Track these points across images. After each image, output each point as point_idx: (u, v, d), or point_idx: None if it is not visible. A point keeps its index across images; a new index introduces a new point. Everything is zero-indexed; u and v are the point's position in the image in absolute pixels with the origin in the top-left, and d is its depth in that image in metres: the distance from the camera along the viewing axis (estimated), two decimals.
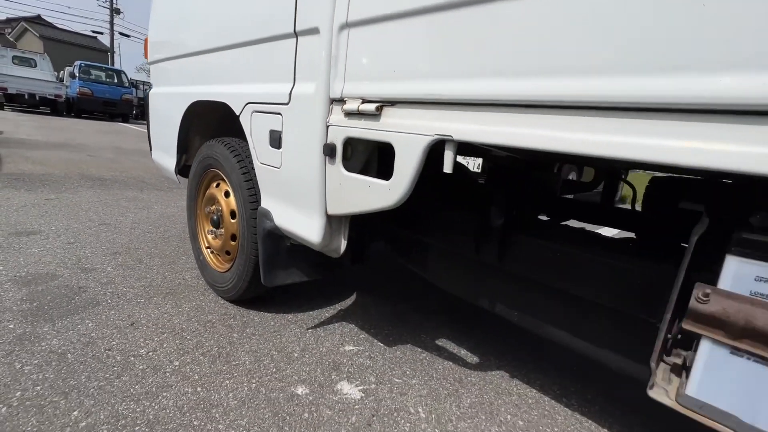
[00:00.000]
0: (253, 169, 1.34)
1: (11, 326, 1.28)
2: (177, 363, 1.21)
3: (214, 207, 1.64)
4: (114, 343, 1.27)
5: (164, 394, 1.07)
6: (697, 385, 0.59)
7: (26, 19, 32.74)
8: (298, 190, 1.12)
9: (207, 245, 1.74)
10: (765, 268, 0.52)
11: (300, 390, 1.16)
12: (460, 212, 1.13)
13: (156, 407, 1.02)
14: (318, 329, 1.52)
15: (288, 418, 1.05)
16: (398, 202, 0.86)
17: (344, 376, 1.25)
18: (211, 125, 1.74)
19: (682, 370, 0.61)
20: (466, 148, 0.85)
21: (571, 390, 1.33)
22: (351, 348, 1.42)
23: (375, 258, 2.42)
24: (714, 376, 0.57)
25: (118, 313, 1.45)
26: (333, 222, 1.08)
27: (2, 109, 12.74)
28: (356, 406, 1.12)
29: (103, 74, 15.82)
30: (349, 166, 0.99)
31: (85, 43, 32.65)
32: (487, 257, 1.05)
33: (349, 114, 0.93)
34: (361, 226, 1.27)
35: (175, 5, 1.76)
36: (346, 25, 0.90)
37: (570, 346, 0.96)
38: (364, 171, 1.01)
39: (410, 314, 1.73)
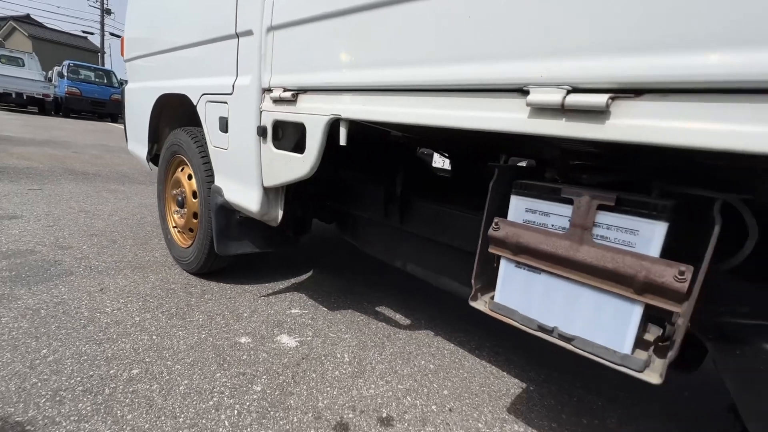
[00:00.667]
0: (208, 152, 1.53)
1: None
2: (137, 318, 1.39)
3: (179, 189, 1.82)
4: (83, 303, 1.45)
5: (123, 339, 1.26)
6: (499, 294, 0.79)
7: (15, 18, 32.35)
8: (241, 167, 1.31)
9: (174, 224, 1.93)
10: (531, 202, 0.72)
11: (243, 340, 1.35)
12: (373, 185, 1.33)
13: (114, 348, 1.21)
14: (270, 297, 1.71)
15: (228, 358, 1.24)
16: (310, 172, 1.06)
17: (285, 331, 1.45)
18: (177, 116, 1.92)
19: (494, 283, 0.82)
20: (360, 127, 1.05)
21: (485, 345, 1.54)
22: (297, 311, 1.61)
23: (336, 238, 2.62)
24: (508, 284, 0.77)
25: (89, 281, 1.63)
26: (269, 193, 1.28)
27: None
28: (290, 352, 1.32)
29: (92, 74, 15.80)
30: (279, 144, 1.19)
31: (75, 43, 32.45)
32: (393, 221, 1.26)
33: (275, 101, 1.13)
34: (302, 201, 1.47)
35: (145, 10, 1.95)
36: (272, 28, 1.10)
37: (445, 287, 1.16)
38: (295, 149, 1.21)
39: (359, 287, 1.93)
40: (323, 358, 1.31)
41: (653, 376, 0.61)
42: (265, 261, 2.09)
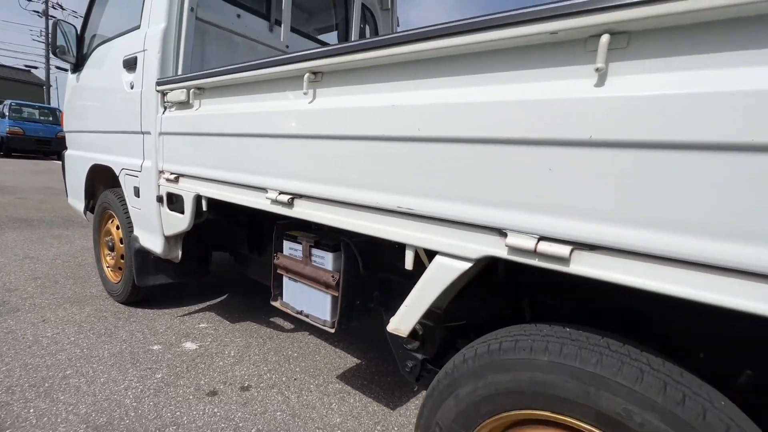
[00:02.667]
0: (128, 210, 2.05)
1: None
2: (73, 338, 1.86)
3: (110, 237, 2.31)
4: (28, 331, 1.90)
5: (60, 353, 1.73)
6: (284, 296, 1.38)
7: None
8: (149, 222, 1.85)
9: (107, 264, 2.40)
10: (290, 244, 1.33)
11: (155, 347, 1.85)
12: (245, 233, 1.91)
13: (53, 359, 1.67)
14: (185, 316, 2.21)
15: (141, 360, 1.73)
16: (189, 226, 1.62)
17: (190, 339, 1.96)
18: (106, 178, 2.42)
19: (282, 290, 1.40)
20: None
21: (344, 341, 2.12)
22: (204, 325, 2.13)
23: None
24: (287, 290, 1.36)
25: (33, 315, 2.07)
26: (170, 240, 1.81)
27: None
28: (190, 353, 1.83)
29: (36, 112, 15.49)
30: (173, 207, 1.74)
31: (18, 77, 31.24)
32: (255, 255, 1.84)
33: (166, 179, 1.69)
34: (201, 244, 2.01)
35: (78, 97, 2.46)
36: (161, 133, 1.68)
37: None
38: (180, 212, 1.76)
39: (263, 306, 2.46)
40: (214, 355, 1.84)
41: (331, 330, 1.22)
42: (187, 289, 2.58)
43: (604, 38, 0.62)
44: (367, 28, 2.92)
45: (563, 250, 0.68)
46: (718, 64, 0.55)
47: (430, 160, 0.85)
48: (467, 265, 0.81)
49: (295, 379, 1.70)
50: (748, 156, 0.52)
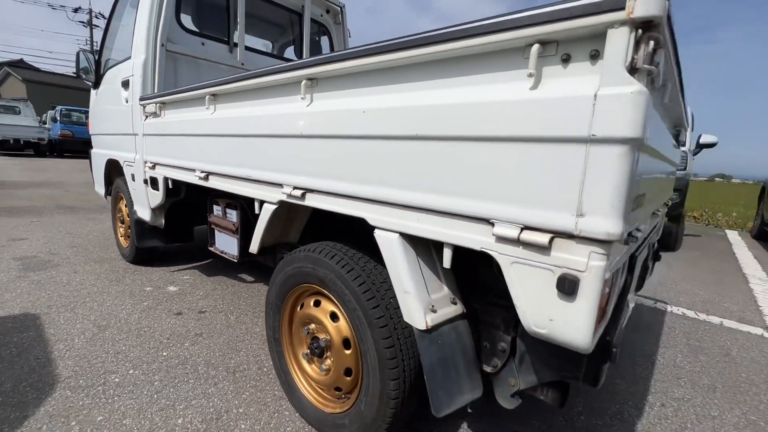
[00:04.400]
0: (129, 191, 2.78)
1: (14, 273, 2.69)
2: (92, 281, 2.62)
3: (121, 213, 3.08)
4: (64, 277, 2.68)
5: (83, 290, 2.49)
6: (216, 243, 2.02)
7: (9, 64, 33.80)
8: (141, 199, 2.57)
9: (120, 234, 3.17)
10: (216, 207, 1.96)
11: (148, 288, 2.58)
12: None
13: (78, 293, 2.43)
14: (175, 272, 2.94)
15: (136, 295, 2.46)
16: (163, 200, 2.31)
17: (174, 285, 2.68)
18: (118, 170, 3.18)
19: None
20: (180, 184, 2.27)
21: None
22: (186, 277, 2.84)
23: None
24: (216, 237, 2.01)
25: (68, 268, 2.86)
26: (155, 211, 2.52)
27: None
28: (171, 292, 2.54)
29: (83, 116, 17.12)
30: (154, 187, 2.43)
31: (69, 84, 33.95)
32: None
33: (148, 167, 2.38)
34: (181, 215, 2.70)
35: (97, 107, 3.23)
36: (144, 135, 2.37)
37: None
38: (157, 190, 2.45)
39: (234, 266, 3.15)
40: (187, 294, 2.54)
41: (235, 261, 1.84)
42: (180, 255, 3.32)
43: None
44: (323, 39, 3.51)
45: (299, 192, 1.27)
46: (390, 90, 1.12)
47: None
48: (274, 206, 1.41)
49: (238, 309, 2.36)
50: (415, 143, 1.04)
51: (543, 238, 0.72)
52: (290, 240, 1.68)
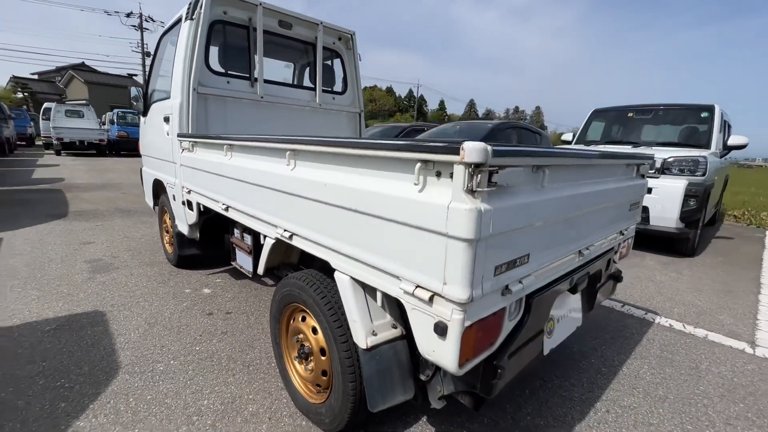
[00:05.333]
0: (171, 208, 3.31)
1: (85, 275, 3.32)
2: (144, 283, 3.20)
3: (165, 224, 3.64)
4: (122, 279, 3.27)
5: (137, 290, 3.05)
6: (236, 258, 2.46)
7: (72, 67, 37.00)
8: (180, 216, 3.08)
9: (166, 241, 3.75)
10: (236, 231, 2.38)
11: (187, 290, 3.11)
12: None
13: (133, 293, 3.00)
14: (209, 275, 3.46)
15: (178, 295, 3.00)
16: (196, 220, 2.79)
17: (208, 287, 3.19)
18: (163, 188, 3.74)
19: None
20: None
21: None
22: (218, 281, 3.36)
23: None
24: (236, 254, 2.44)
25: (126, 271, 3.47)
26: (191, 227, 3.02)
27: (59, 154, 15.70)
28: (205, 294, 3.05)
29: (137, 117, 18.71)
30: (189, 208, 2.92)
31: (123, 83, 36.70)
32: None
33: (185, 192, 2.87)
34: (215, 229, 3.19)
35: (145, 132, 3.79)
36: (181, 165, 2.85)
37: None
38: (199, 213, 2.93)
39: (267, 280, 3.63)
40: (218, 296, 3.04)
41: (250, 275, 2.26)
42: (214, 262, 3.85)
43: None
44: (335, 63, 3.85)
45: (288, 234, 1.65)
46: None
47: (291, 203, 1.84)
48: (272, 241, 1.80)
49: (257, 311, 2.82)
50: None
51: (426, 295, 1.05)
52: (292, 261, 2.08)
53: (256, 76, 3.20)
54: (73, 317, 2.58)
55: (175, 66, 2.91)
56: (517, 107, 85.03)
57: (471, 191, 0.92)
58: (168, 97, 3.06)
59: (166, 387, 1.93)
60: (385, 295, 1.28)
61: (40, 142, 20.44)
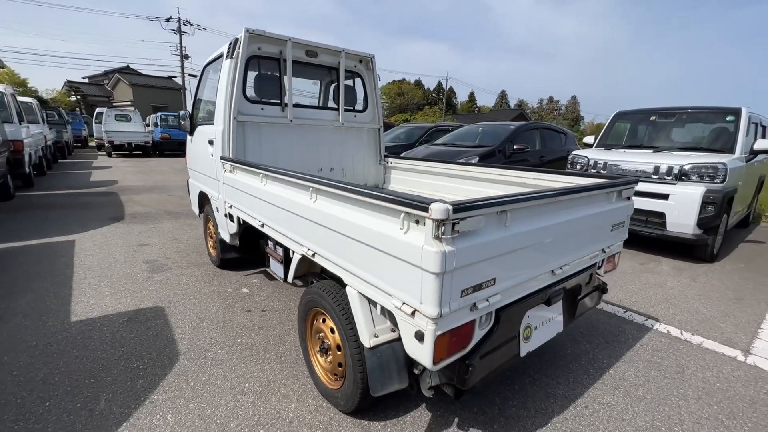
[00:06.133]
0: (215, 218, 3.82)
1: (145, 275, 3.90)
2: (193, 283, 3.73)
3: (209, 231, 4.18)
4: (174, 279, 3.83)
5: (188, 290, 3.59)
6: (270, 266, 2.90)
7: (118, 71, 39.54)
8: (222, 225, 3.57)
9: (210, 246, 4.29)
10: (270, 243, 2.81)
11: (228, 289, 3.61)
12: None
13: (185, 292, 3.53)
14: (247, 276, 3.96)
15: (221, 294, 3.50)
16: (238, 230, 3.26)
17: (246, 287, 3.68)
18: (207, 199, 4.27)
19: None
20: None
21: None
22: (255, 281, 3.84)
23: None
24: (270, 263, 2.87)
25: (177, 271, 4.03)
26: (233, 235, 3.50)
27: (110, 156, 17.07)
28: (243, 293, 3.54)
29: (177, 122, 19.89)
30: (230, 219, 3.40)
31: (164, 85, 38.80)
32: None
33: (227, 206, 3.34)
34: (253, 237, 3.66)
35: (192, 149, 4.33)
36: (223, 183, 3.33)
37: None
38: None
39: (297, 281, 4.10)
40: (255, 294, 3.52)
41: (283, 281, 2.69)
42: (251, 264, 4.35)
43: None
44: (356, 83, 4.22)
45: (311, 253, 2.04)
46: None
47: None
48: (299, 256, 2.20)
49: (288, 309, 3.27)
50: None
51: (409, 310, 1.40)
52: (316, 270, 2.48)
53: (286, 101, 3.62)
54: (140, 311, 3.13)
55: (218, 97, 3.38)
56: (551, 97, 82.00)
57: (438, 238, 1.27)
58: (212, 123, 3.54)
59: (216, 371, 2.39)
60: (383, 306, 1.64)
61: (93, 144, 22.25)
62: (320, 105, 4.14)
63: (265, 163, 3.30)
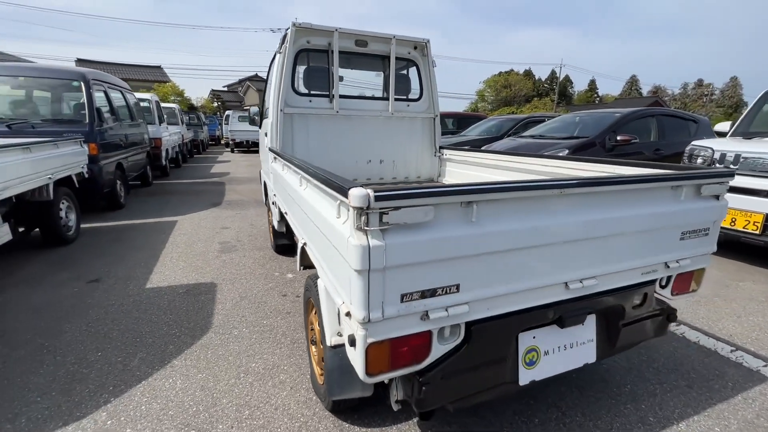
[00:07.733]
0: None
1: (215, 254, 4.40)
2: (250, 264, 4.06)
3: (269, 218, 4.50)
4: (238, 260, 4.22)
5: (246, 268, 3.91)
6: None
7: (249, 79, 45.58)
8: (273, 212, 3.79)
9: (271, 232, 4.63)
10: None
11: (276, 274, 3.83)
12: None
13: (244, 269, 3.87)
14: (293, 263, 4.15)
15: (269, 277, 3.73)
16: (279, 218, 3.41)
17: (292, 273, 3.86)
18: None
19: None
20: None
21: None
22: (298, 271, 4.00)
23: None
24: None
25: (243, 253, 4.44)
26: (279, 221, 3.69)
27: (233, 152, 19.78)
28: (288, 278, 3.71)
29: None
30: (276, 208, 3.59)
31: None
32: None
33: (273, 195, 3.53)
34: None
35: (261, 144, 4.70)
36: (270, 172, 3.52)
37: None
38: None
39: None
40: (296, 281, 3.65)
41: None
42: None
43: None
44: (409, 71, 4.03)
45: None
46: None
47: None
48: (300, 247, 2.18)
49: None
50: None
51: (345, 311, 1.24)
52: None
53: (333, 93, 3.65)
54: (198, 285, 3.53)
55: (271, 91, 3.57)
56: (700, 80, 67.21)
57: (361, 229, 1.08)
58: (268, 117, 3.77)
59: (234, 348, 2.54)
60: None
61: (223, 142, 26.21)
62: (382, 96, 4.08)
63: (313, 156, 3.39)
